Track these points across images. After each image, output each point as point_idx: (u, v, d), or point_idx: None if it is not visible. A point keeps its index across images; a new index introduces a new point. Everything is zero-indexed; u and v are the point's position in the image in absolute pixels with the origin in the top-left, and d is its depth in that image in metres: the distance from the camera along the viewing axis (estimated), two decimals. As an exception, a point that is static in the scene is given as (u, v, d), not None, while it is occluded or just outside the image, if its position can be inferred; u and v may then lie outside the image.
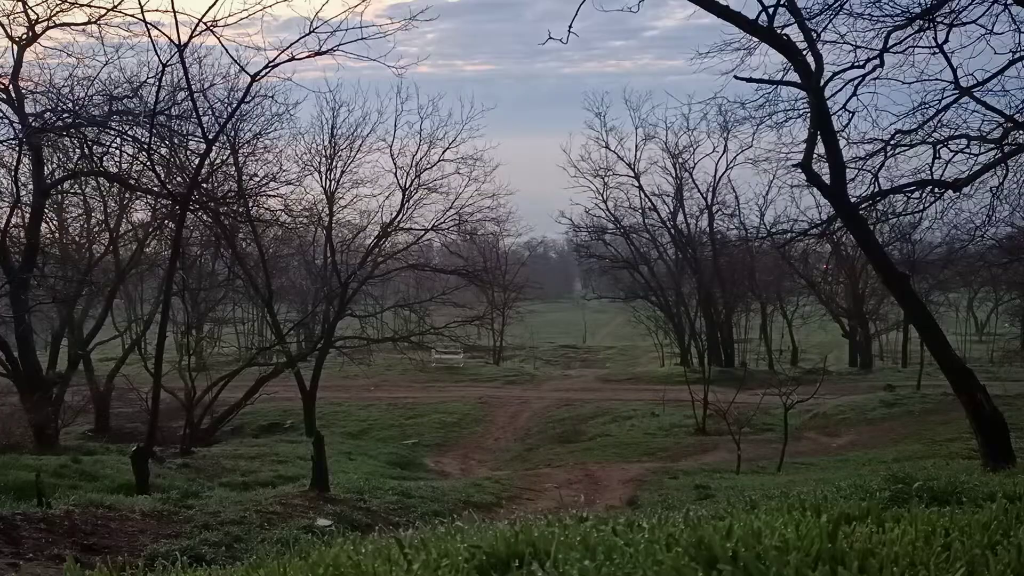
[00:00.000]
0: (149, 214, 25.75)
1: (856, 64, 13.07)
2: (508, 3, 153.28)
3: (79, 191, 24.82)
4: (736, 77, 12.58)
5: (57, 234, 25.63)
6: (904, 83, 13.80)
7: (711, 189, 41.37)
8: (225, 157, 24.31)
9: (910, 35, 13.02)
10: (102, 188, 24.79)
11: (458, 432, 27.96)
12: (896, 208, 17.34)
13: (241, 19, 12.98)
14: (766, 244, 35.12)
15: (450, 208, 30.24)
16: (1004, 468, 9.23)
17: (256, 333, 48.28)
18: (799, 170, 12.13)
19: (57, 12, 18.23)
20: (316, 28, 13.00)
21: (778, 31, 11.61)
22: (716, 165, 40.67)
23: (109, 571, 2.64)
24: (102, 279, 25.43)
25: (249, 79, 13.88)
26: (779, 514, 2.73)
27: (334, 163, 29.34)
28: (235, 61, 24.47)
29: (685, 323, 43.25)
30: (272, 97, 27.85)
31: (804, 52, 11.59)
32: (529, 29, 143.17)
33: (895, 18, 12.82)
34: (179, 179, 20.05)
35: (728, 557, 1.98)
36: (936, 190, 13.73)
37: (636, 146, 41.12)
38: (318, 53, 13.06)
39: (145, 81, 19.72)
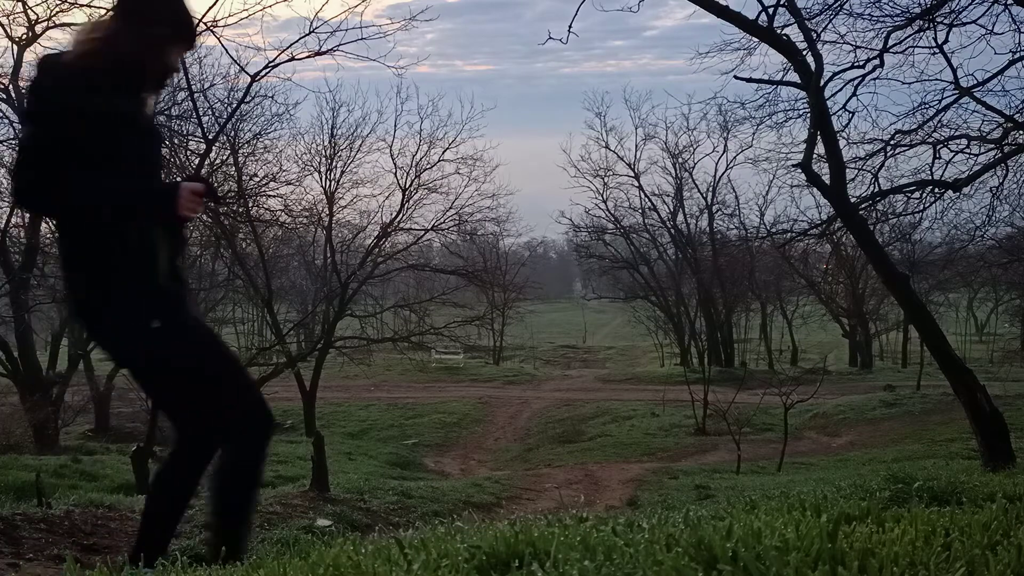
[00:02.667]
0: (149, 214, 25.75)
1: (856, 64, 13.04)
2: (508, 3, 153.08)
3: (79, 191, 24.79)
4: (736, 77, 12.56)
5: (57, 234, 25.62)
6: (904, 83, 13.78)
7: (711, 189, 41.48)
8: (225, 157, 24.29)
9: (910, 35, 13.00)
10: (102, 188, 24.78)
11: (458, 432, 27.97)
12: (896, 208, 17.30)
13: (241, 19, 13.05)
14: (766, 244, 35.10)
15: (450, 208, 30.27)
16: (1004, 468, 9.21)
17: (256, 333, 48.30)
18: (799, 170, 12.08)
19: (57, 12, 18.22)
20: (316, 28, 13.08)
21: (778, 31, 11.58)
22: (716, 165, 40.80)
23: (109, 571, 2.64)
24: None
25: (249, 79, 13.90)
26: (779, 514, 2.73)
27: (334, 163, 29.34)
28: (235, 61, 24.64)
29: (685, 323, 43.26)
30: (272, 97, 27.83)
31: (804, 52, 11.56)
32: (529, 29, 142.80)
33: (895, 18, 12.80)
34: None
35: (728, 557, 1.97)
36: (936, 190, 13.70)
37: (636, 146, 41.29)
38: (318, 53, 13.10)
39: (145, 81, 19.74)
